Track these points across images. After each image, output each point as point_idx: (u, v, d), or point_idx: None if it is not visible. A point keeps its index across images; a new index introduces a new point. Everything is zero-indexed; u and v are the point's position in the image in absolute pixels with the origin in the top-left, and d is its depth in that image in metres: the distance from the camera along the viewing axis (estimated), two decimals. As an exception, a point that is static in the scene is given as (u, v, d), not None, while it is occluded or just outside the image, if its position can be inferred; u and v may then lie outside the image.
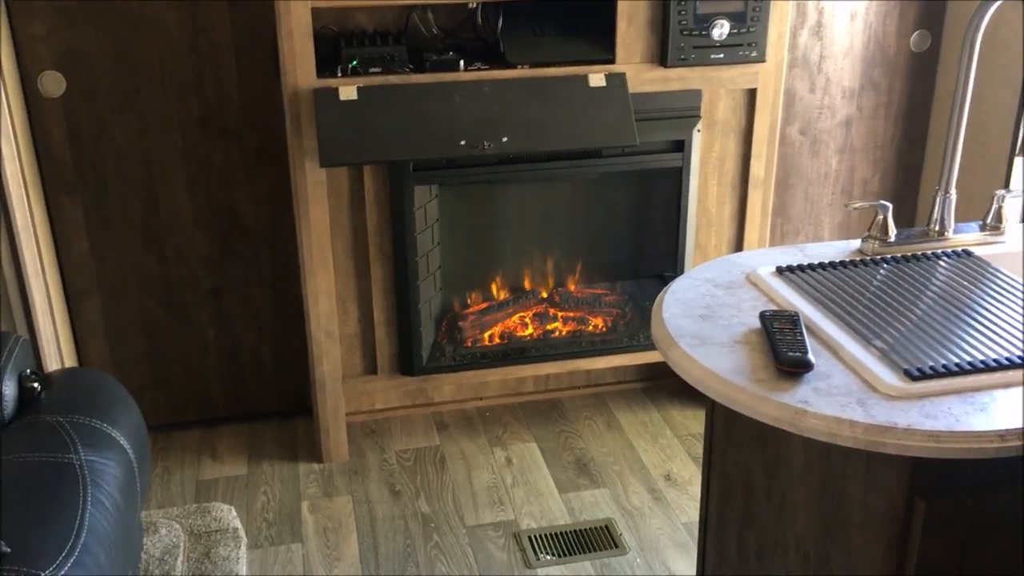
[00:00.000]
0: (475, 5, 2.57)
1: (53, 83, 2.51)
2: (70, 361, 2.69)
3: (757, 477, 1.63)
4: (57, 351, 2.53)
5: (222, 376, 2.92)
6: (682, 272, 2.80)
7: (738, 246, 2.86)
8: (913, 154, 3.14)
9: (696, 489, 2.66)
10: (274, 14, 2.36)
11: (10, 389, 1.95)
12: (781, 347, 1.38)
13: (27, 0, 2.42)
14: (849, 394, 1.31)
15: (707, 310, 1.56)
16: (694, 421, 2.97)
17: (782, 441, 1.54)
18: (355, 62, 2.43)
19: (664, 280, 2.89)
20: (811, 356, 1.36)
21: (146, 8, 2.50)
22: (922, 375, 1.32)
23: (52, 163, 2.58)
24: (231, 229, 2.76)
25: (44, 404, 2.00)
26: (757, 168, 2.76)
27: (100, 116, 2.57)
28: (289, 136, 2.45)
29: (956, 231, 1.78)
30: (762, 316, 1.48)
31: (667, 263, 2.85)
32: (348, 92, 2.40)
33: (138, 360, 2.84)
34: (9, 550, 1.60)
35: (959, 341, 1.42)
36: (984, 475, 1.29)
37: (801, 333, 1.42)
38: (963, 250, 1.72)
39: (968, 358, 1.36)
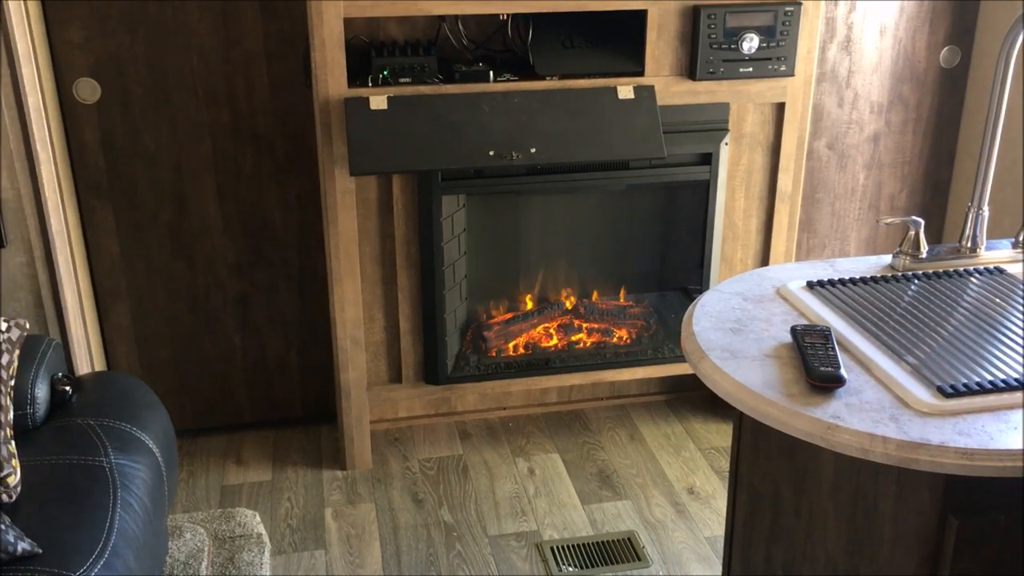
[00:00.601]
0: (505, 17, 2.58)
1: (88, 89, 2.55)
2: (100, 364, 2.71)
3: (785, 491, 1.63)
4: (88, 354, 2.56)
5: (248, 382, 2.94)
6: (707, 285, 2.80)
7: (764, 260, 2.85)
8: (941, 170, 3.13)
9: (720, 503, 2.65)
10: (306, 24, 2.38)
11: (42, 391, 1.98)
12: (813, 362, 1.38)
13: (64, 8, 2.45)
14: (881, 410, 1.30)
15: (737, 324, 1.56)
16: (717, 434, 2.96)
17: (811, 456, 1.54)
18: (386, 72, 2.45)
19: (688, 293, 2.88)
20: (843, 371, 1.36)
21: (180, 17, 2.53)
22: (955, 392, 1.32)
23: (86, 168, 2.61)
24: (260, 236, 2.78)
25: (75, 407, 2.03)
26: (784, 182, 2.75)
27: (133, 122, 2.60)
28: (319, 144, 2.47)
29: (988, 248, 1.78)
30: (793, 330, 1.48)
31: (692, 276, 2.84)
32: (379, 102, 2.42)
33: (165, 365, 2.86)
34: (41, 551, 1.62)
35: (991, 358, 1.41)
36: (1018, 493, 1.29)
37: (833, 348, 1.42)
38: (995, 267, 1.71)
39: (1001, 376, 1.36)
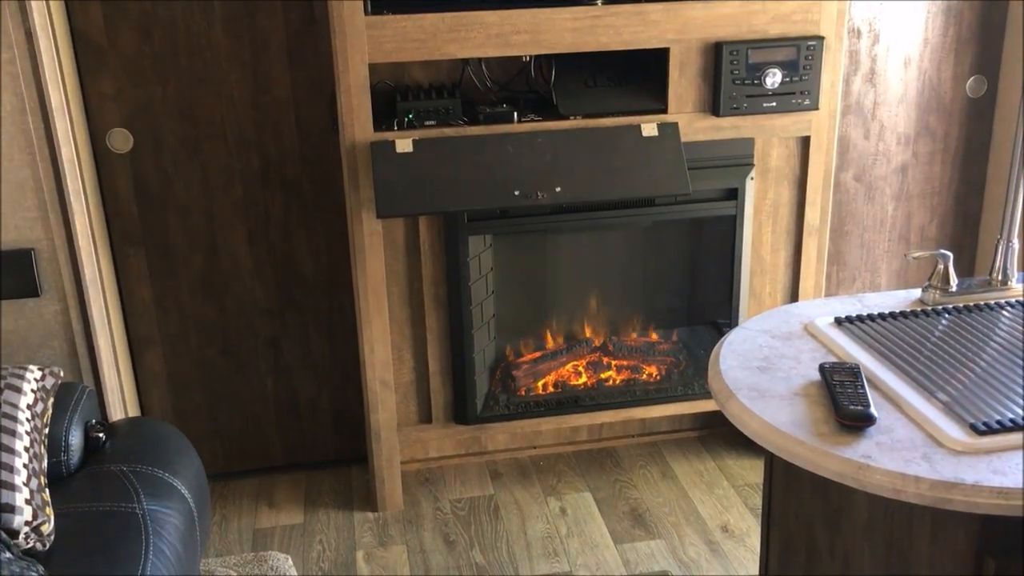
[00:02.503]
0: (528, 59, 2.61)
1: (121, 139, 2.60)
2: (133, 410, 2.74)
3: (819, 531, 1.61)
4: (121, 400, 2.58)
5: (280, 425, 2.95)
6: (736, 320, 2.79)
7: (793, 294, 2.83)
8: (971, 201, 3.10)
9: (754, 541, 2.62)
10: (332, 71, 2.42)
11: (76, 439, 2.01)
12: (842, 400, 1.37)
13: (98, 61, 2.51)
14: (913, 448, 1.29)
15: (765, 361, 1.55)
16: (751, 471, 2.93)
17: (845, 495, 1.52)
18: (411, 115, 2.48)
19: (718, 328, 2.87)
20: (873, 409, 1.35)
21: (210, 68, 2.58)
22: (989, 429, 1.30)
23: (119, 216, 2.66)
24: (290, 280, 2.81)
25: (109, 453, 2.05)
26: (812, 215, 2.74)
27: (165, 170, 2.64)
28: (347, 188, 2.49)
29: (1020, 280, 1.76)
30: (822, 368, 1.46)
31: (721, 311, 2.83)
32: (404, 145, 2.45)
33: (198, 409, 2.89)
34: (75, 599, 1.63)
35: (1026, 394, 1.39)
36: (1056, 533, 1.26)
37: (863, 386, 1.40)
38: (1027, 300, 1.69)
39: (1036, 412, 1.34)
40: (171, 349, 2.81)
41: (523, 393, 2.83)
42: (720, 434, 3.10)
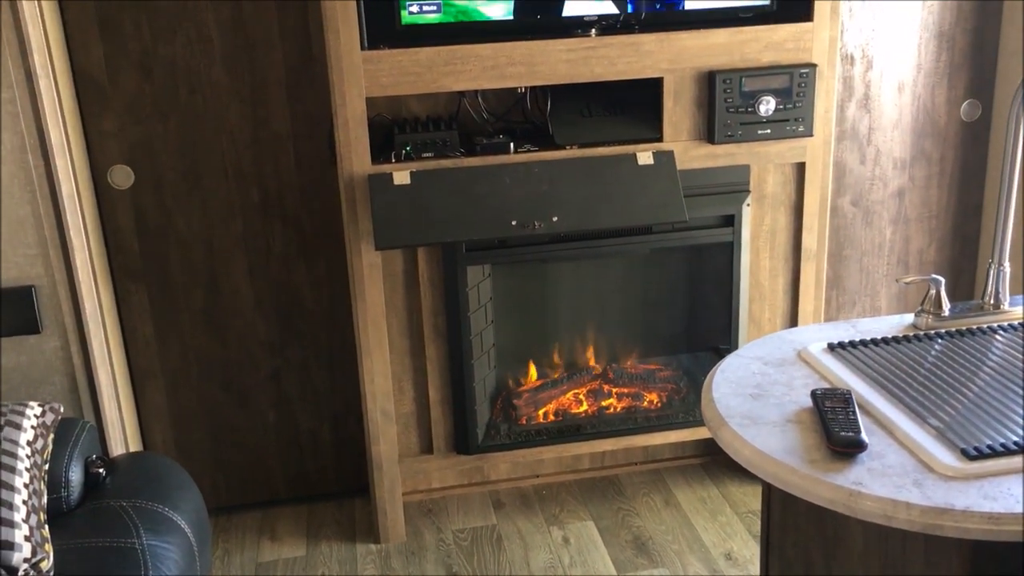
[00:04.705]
0: (523, 90, 2.64)
1: (122, 176, 2.62)
2: (135, 444, 2.75)
3: (816, 558, 1.60)
4: (122, 435, 2.59)
5: (282, 457, 2.96)
6: (736, 346, 2.79)
7: (792, 319, 2.84)
8: (969, 224, 3.11)
9: (757, 568, 2.60)
10: (330, 105, 2.45)
11: (76, 475, 2.01)
12: (833, 427, 1.37)
13: (98, 99, 2.55)
14: (904, 474, 1.29)
15: (758, 389, 1.55)
16: (754, 497, 2.92)
17: (840, 522, 1.51)
18: (408, 148, 2.50)
19: (720, 353, 2.87)
20: (864, 436, 1.35)
21: (210, 103, 2.61)
22: (979, 454, 1.30)
23: (120, 251, 2.68)
24: (290, 312, 2.83)
25: (109, 489, 2.06)
26: (809, 241, 2.75)
27: (165, 206, 2.67)
28: (345, 220, 2.51)
29: (1012, 303, 1.76)
30: (814, 395, 1.47)
31: (722, 336, 2.84)
32: (402, 177, 2.47)
33: (200, 443, 2.89)
34: (73, 636, 1.63)
35: (1017, 418, 1.39)
36: (1049, 557, 1.26)
37: (854, 412, 1.41)
38: (1020, 323, 1.69)
39: (1027, 436, 1.34)
40: (173, 383, 2.82)
41: (524, 422, 2.83)
42: (723, 461, 3.09)
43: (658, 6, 2.52)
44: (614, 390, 2.91)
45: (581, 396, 2.90)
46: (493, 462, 2.89)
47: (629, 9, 2.50)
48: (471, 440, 2.77)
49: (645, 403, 2.89)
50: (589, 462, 3.06)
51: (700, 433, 2.88)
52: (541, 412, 2.85)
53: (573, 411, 2.87)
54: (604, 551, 2.72)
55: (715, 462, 3.10)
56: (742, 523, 2.81)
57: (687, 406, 2.88)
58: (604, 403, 2.88)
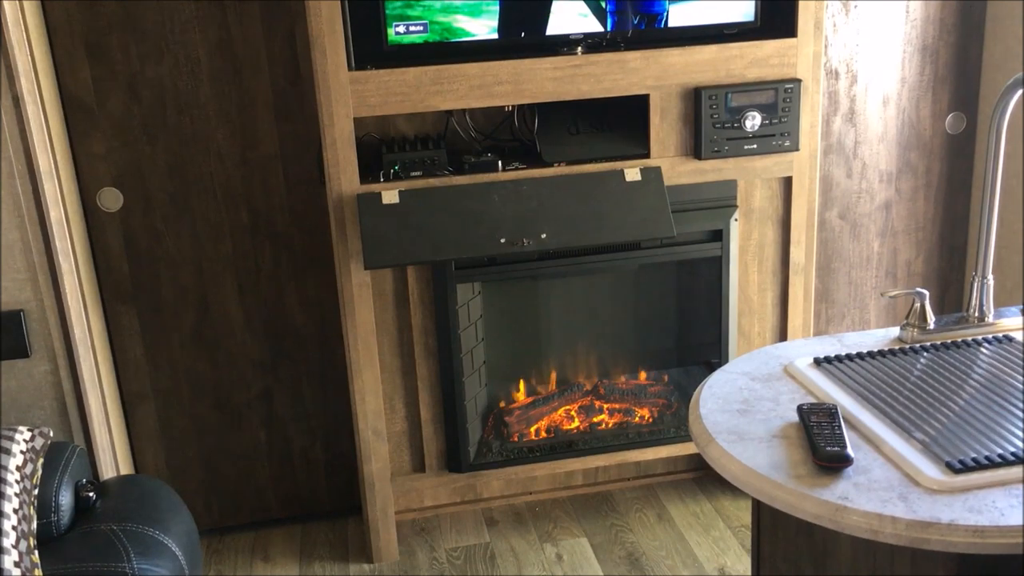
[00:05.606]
0: (511, 108, 2.65)
1: (111, 198, 2.63)
2: (126, 466, 2.74)
3: (806, 571, 1.61)
4: (112, 457, 2.59)
5: (274, 477, 2.95)
6: (727, 361, 2.79)
7: (782, 332, 2.85)
8: (956, 235, 3.12)
9: (751, 583, 2.60)
10: (319, 125, 2.46)
11: (66, 499, 2.01)
12: (819, 441, 1.38)
13: (87, 122, 2.55)
14: (890, 489, 1.29)
15: (745, 404, 1.56)
16: (747, 511, 2.92)
17: (829, 535, 1.52)
18: (397, 167, 2.51)
19: (711, 367, 2.88)
20: (850, 450, 1.36)
21: (198, 125, 2.62)
22: (965, 467, 1.30)
23: (110, 273, 2.68)
24: (281, 332, 2.83)
25: (99, 512, 2.05)
26: (797, 255, 2.76)
27: (155, 228, 2.67)
28: (335, 240, 2.52)
29: (997, 316, 1.77)
30: (800, 410, 1.47)
31: (711, 351, 2.84)
32: (390, 196, 2.48)
33: (192, 464, 2.89)
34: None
35: (1002, 431, 1.40)
36: (1035, 569, 1.26)
37: (840, 427, 1.41)
38: (1004, 335, 1.70)
39: (1012, 448, 1.34)
40: (164, 404, 2.82)
41: (516, 439, 2.83)
42: (715, 475, 3.09)
43: (643, 24, 2.53)
44: (605, 406, 2.91)
45: (573, 412, 2.90)
46: (486, 479, 2.88)
47: (614, 27, 2.51)
48: (463, 458, 2.77)
49: (637, 418, 2.89)
50: (582, 478, 3.06)
51: (692, 448, 2.88)
52: (533, 429, 2.86)
53: (565, 427, 2.88)
54: (598, 567, 2.72)
55: (708, 476, 3.10)
56: (735, 537, 2.81)
57: (679, 421, 2.88)
58: (596, 419, 2.89)
